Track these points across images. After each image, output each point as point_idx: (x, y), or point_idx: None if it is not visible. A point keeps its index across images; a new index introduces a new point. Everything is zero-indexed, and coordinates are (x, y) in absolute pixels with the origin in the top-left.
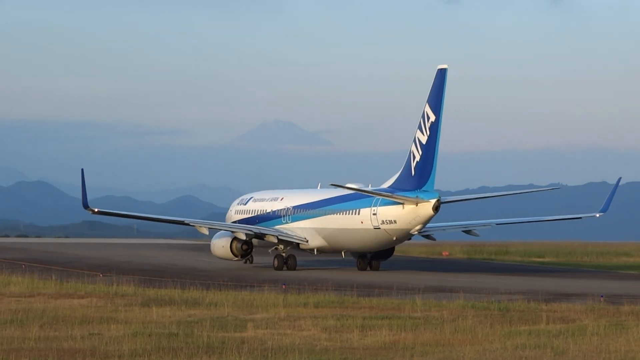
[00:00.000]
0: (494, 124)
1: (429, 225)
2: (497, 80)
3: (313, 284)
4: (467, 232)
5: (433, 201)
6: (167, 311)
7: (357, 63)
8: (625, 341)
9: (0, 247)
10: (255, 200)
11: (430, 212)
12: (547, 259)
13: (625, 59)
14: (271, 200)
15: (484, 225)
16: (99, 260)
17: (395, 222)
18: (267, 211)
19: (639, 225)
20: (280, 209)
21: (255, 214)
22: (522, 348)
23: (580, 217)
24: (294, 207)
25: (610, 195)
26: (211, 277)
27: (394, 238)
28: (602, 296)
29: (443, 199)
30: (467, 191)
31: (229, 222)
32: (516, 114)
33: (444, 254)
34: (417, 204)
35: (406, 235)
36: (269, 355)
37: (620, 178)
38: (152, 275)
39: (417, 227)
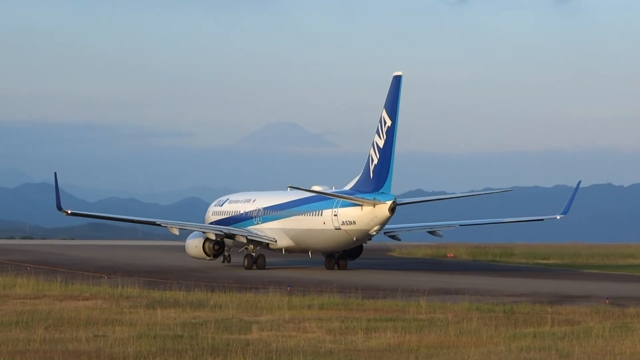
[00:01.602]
0: (499, 125)
1: (395, 225)
2: (501, 81)
3: (318, 285)
4: (432, 232)
5: (389, 203)
6: (172, 313)
7: (362, 64)
8: (631, 343)
9: (5, 249)
10: (230, 202)
11: (387, 213)
12: (552, 261)
13: (630, 60)
14: (244, 201)
15: (448, 226)
16: (104, 262)
17: (354, 223)
18: (241, 212)
19: None
20: (252, 210)
21: (230, 215)
22: (527, 350)
23: (542, 219)
24: (264, 209)
25: (571, 197)
26: (216, 279)
27: (354, 238)
28: (607, 298)
29: (400, 200)
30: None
31: (207, 223)
32: (521, 116)
33: (449, 255)
34: (374, 206)
35: (366, 236)
36: (274, 357)
37: (580, 181)
38: (156, 277)
39: (376, 228)
